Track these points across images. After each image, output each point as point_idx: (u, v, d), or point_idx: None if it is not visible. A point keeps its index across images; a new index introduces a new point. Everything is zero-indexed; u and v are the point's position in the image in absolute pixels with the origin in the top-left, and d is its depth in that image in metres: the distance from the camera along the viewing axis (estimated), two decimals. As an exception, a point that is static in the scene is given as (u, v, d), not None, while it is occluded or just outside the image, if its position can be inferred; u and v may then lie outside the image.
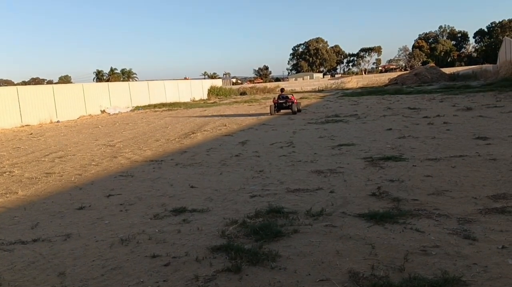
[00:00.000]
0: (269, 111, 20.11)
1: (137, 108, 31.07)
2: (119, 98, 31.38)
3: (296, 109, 19.39)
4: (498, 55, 41.69)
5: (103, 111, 29.16)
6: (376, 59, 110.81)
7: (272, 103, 20.43)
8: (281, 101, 20.08)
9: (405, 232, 4.45)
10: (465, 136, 10.19)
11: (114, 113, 28.39)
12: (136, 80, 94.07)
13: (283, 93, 21.23)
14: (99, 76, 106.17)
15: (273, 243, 4.36)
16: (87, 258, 4.36)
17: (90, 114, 27.91)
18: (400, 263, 3.69)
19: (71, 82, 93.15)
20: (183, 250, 4.36)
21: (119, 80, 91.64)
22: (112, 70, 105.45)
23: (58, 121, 24.64)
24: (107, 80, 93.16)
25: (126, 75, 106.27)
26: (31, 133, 18.78)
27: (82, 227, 5.43)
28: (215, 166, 8.85)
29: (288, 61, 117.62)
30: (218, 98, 40.94)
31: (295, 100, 20.00)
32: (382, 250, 4.03)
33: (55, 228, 5.46)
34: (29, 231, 5.38)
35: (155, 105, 32.51)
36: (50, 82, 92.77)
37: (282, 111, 20.29)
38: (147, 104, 33.36)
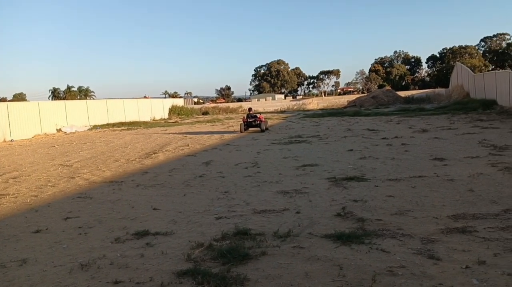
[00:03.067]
0: (235, 130, 21.11)
1: (95, 127, 30.27)
2: (76, 117, 30.50)
3: (264, 127, 20.73)
4: (450, 79, 43.79)
5: (59, 130, 28.20)
6: (335, 82, 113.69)
7: (242, 122, 21.50)
8: (250, 120, 21.26)
9: (371, 252, 4.49)
10: (422, 157, 10.53)
11: (71, 132, 27.50)
12: (93, 99, 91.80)
13: (251, 112, 22.19)
14: (55, 94, 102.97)
15: (241, 266, 4.28)
16: (44, 285, 4.12)
17: (45, 133, 26.91)
18: (368, 284, 3.71)
19: (26, 100, 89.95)
20: (147, 275, 4.20)
21: (76, 99, 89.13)
22: (69, 88, 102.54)
23: (11, 140, 23.57)
24: (64, 98, 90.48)
25: (84, 93, 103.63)
26: (-19, 153, 17.83)
27: (39, 251, 5.15)
28: (179, 187, 8.68)
29: (250, 82, 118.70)
30: (180, 117, 40.57)
31: (263, 119, 21.23)
32: (350, 271, 4.04)
33: (9, 252, 5.15)
34: (-21, 257, 5.04)
35: (114, 124, 31.80)
36: (3, 100, 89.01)
37: (251, 129, 21.44)
38: (105, 123, 32.59)
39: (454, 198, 6.53)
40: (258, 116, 21.43)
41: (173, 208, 6.96)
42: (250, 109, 23.25)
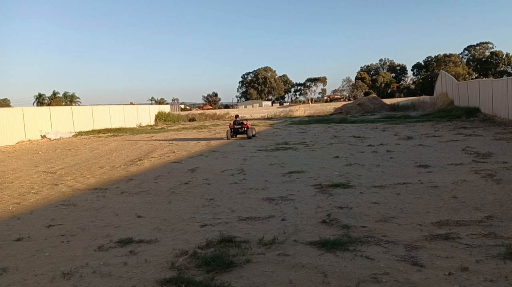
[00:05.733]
0: (221, 137, 21.12)
1: (80, 133, 29.93)
2: (61, 123, 30.14)
3: (251, 134, 20.78)
4: (435, 87, 44.40)
5: (43, 137, 27.82)
6: (322, 89, 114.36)
7: (229, 129, 21.52)
8: (237, 126, 21.29)
9: (355, 259, 4.49)
10: (407, 164, 10.63)
11: (55, 139, 27.15)
12: (79, 105, 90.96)
13: (238, 119, 22.18)
14: (40, 100, 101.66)
15: (225, 274, 4.25)
16: (23, 296, 4.03)
17: (29, 140, 26.51)
18: (352, 291, 3.70)
19: (10, 106, 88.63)
20: (130, 284, 4.14)
21: (61, 105, 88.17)
22: (54, 94, 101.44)
23: (-7, 147, 23.19)
24: (49, 104, 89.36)
25: (69, 99, 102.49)
26: (-38, 160, 17.49)
27: (20, 260, 5.05)
28: (164, 194, 8.61)
29: (237, 89, 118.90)
30: (166, 124, 40.37)
31: (249, 126, 21.29)
32: (334, 278, 4.03)
33: (-12, 262, 5.03)
34: (-43, 266, 4.92)
35: (99, 131, 31.48)
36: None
37: (238, 135, 21.53)
38: (91, 129, 32.25)
39: (438, 204, 6.59)
40: (245, 123, 21.48)
41: (157, 215, 6.90)
42: (237, 116, 23.29)
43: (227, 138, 20.93)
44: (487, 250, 4.56)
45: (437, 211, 6.22)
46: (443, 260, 4.33)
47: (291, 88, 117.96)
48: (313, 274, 4.15)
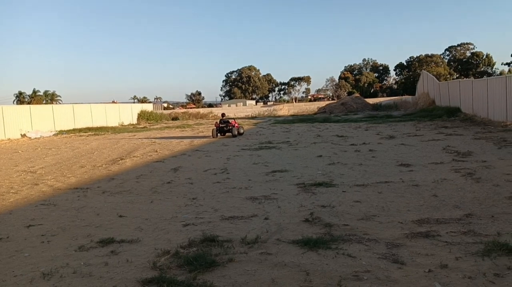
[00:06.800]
0: (205, 135, 21.30)
1: (61, 132, 29.49)
2: (41, 122, 29.67)
3: (236, 132, 21.01)
4: (417, 87, 44.95)
5: (23, 136, 27.34)
6: (306, 89, 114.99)
7: (214, 127, 21.58)
8: (222, 125, 21.41)
9: (337, 257, 4.52)
10: (389, 163, 10.74)
11: (35, 138, 26.69)
12: (60, 103, 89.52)
13: (224, 118, 22.24)
14: (21, 99, 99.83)
15: (207, 273, 4.23)
16: (0, 297, 3.95)
17: (9, 139, 26.05)
18: (334, 289, 3.72)
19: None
20: (111, 284, 4.09)
21: (42, 103, 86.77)
22: (34, 92, 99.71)
23: (-29, 146, 22.68)
24: (29, 103, 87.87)
25: (50, 98, 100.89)
26: None
27: (-2, 261, 4.94)
28: (146, 193, 8.54)
29: (221, 88, 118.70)
30: (149, 123, 40.05)
31: (235, 125, 21.48)
32: (316, 276, 4.05)
33: (-36, 264, 4.91)
34: None
35: (80, 130, 31.08)
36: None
37: (226, 134, 21.59)
38: (72, 128, 31.82)
39: (418, 203, 6.68)
40: (231, 121, 21.56)
41: (139, 215, 6.83)
42: (223, 114, 23.24)
43: (213, 137, 20.97)
44: (466, 247, 4.63)
45: (418, 209, 6.30)
46: (423, 258, 4.39)
47: (275, 88, 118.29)
48: (295, 273, 4.16)
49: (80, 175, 11.29)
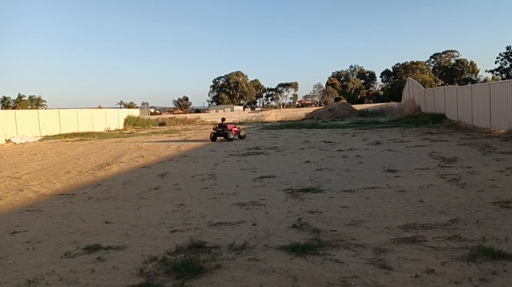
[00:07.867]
0: (194, 139, 22.60)
1: (47, 138, 29.11)
2: (26, 127, 29.26)
3: (231, 136, 22.05)
4: (403, 93, 45.50)
5: (8, 141, 26.92)
6: (293, 95, 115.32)
7: (213, 131, 22.85)
8: (219, 129, 22.62)
9: (325, 263, 4.53)
10: (376, 169, 10.82)
11: (20, 143, 26.30)
12: (46, 108, 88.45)
13: (223, 122, 23.24)
14: (5, 103, 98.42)
15: (195, 280, 4.21)
16: (-17, 306, 3.87)
17: (-8, 144, 25.62)
18: (322, 295, 3.73)
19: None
20: (96, 292, 4.04)
21: (27, 108, 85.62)
22: (19, 97, 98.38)
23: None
24: (14, 108, 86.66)
25: (35, 103, 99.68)
26: None
27: (-20, 269, 4.84)
28: (132, 199, 8.46)
29: (209, 93, 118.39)
30: (136, 128, 39.80)
31: (234, 129, 22.85)
32: (304, 282, 4.05)
33: None
34: None
35: (66, 135, 30.75)
36: None
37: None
38: (57, 133, 31.46)
39: (405, 208, 6.73)
40: (228, 126, 22.56)
41: (126, 221, 6.77)
42: (223, 119, 24.01)
43: (211, 140, 22.19)
44: (452, 252, 4.68)
45: (404, 215, 6.35)
46: (410, 263, 4.42)
47: (262, 93, 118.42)
48: (283, 279, 4.16)
49: (66, 181, 11.16)
